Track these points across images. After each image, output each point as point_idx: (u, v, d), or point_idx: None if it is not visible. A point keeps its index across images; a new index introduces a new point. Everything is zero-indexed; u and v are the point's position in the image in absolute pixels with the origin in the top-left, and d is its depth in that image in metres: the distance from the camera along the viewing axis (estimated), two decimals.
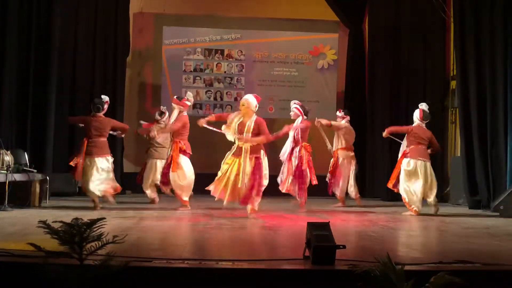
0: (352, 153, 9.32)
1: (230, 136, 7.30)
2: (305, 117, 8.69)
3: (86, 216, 3.56)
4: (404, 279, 3.05)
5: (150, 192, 9.02)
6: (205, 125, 7.72)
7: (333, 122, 9.26)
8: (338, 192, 9.19)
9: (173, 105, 8.29)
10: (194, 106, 11.46)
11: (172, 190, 8.28)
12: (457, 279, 3.10)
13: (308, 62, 12.24)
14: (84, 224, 3.28)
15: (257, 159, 7.15)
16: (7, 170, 7.49)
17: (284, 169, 8.60)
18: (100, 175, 7.89)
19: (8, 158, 7.71)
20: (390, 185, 8.39)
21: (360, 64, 11.87)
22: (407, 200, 8.13)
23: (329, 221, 4.14)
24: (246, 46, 12.15)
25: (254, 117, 7.24)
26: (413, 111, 8.49)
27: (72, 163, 7.92)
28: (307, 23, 12.11)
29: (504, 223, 7.29)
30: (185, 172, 7.98)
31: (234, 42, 12.15)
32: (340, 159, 9.16)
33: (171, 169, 7.90)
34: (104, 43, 10.78)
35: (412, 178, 8.10)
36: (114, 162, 8.24)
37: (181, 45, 12.05)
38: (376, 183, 11.00)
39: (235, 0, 11.93)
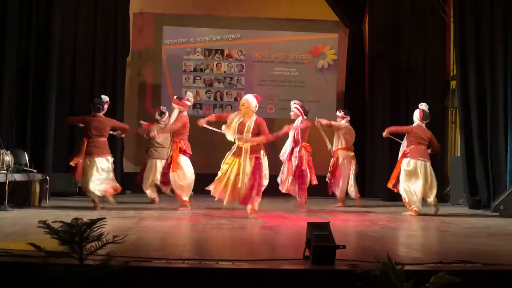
0: (352, 153, 9.32)
1: (230, 136, 7.30)
2: (305, 117, 8.69)
3: (86, 216, 3.56)
4: (404, 279, 3.05)
5: (150, 192, 9.02)
6: (205, 125, 7.72)
7: (333, 122, 9.26)
8: (338, 192, 9.19)
9: (173, 105, 8.29)
10: (194, 106, 11.46)
11: (172, 190, 8.28)
12: (457, 279, 3.11)
13: (308, 62, 12.24)
14: (84, 224, 3.28)
15: (257, 159, 7.16)
16: (7, 170, 7.49)
17: (284, 169, 8.59)
18: (100, 175, 7.89)
19: (8, 158, 7.71)
20: (390, 185, 8.40)
21: (360, 64, 11.86)
22: (407, 200, 8.13)
23: (329, 221, 4.15)
24: (246, 46, 12.15)
25: (254, 117, 7.24)
26: (413, 111, 8.49)
27: (72, 163, 7.92)
28: (307, 23, 12.11)
29: (504, 223, 7.29)
30: (185, 172, 7.98)
31: (234, 42, 12.15)
32: (340, 159, 9.16)
33: (171, 169, 7.90)
34: (104, 43, 10.77)
35: (412, 178, 8.10)
36: (114, 162, 8.24)
37: (181, 45, 12.04)
38: (376, 183, 11.00)
39: (235, 0, 11.93)
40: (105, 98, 8.25)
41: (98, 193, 7.89)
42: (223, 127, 7.36)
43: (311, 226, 4.01)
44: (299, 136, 8.56)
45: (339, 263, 3.81)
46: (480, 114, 9.06)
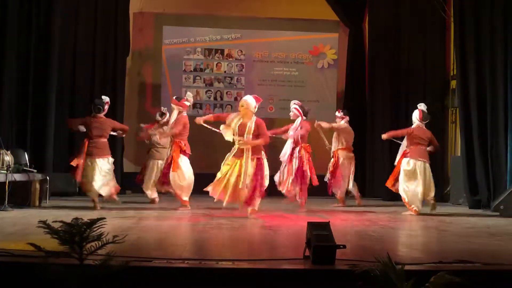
0: (352, 154, 9.33)
1: (228, 137, 7.30)
2: (304, 117, 8.68)
3: (86, 216, 3.56)
4: (404, 278, 3.05)
5: (150, 192, 9.02)
6: (202, 124, 7.72)
7: (334, 125, 9.26)
8: (338, 192, 9.20)
9: (172, 105, 8.28)
10: (194, 106, 11.45)
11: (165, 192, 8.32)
12: (457, 278, 3.11)
13: (308, 61, 12.24)
14: (84, 224, 3.28)
15: (259, 160, 7.17)
16: (7, 170, 7.49)
17: (284, 170, 8.58)
18: (103, 177, 7.91)
19: (8, 158, 7.71)
20: (389, 184, 8.41)
21: (360, 64, 11.86)
22: (407, 200, 8.14)
23: (329, 221, 4.15)
24: (246, 45, 12.14)
25: (254, 118, 7.25)
26: (413, 111, 8.49)
27: (73, 163, 7.91)
28: (307, 22, 12.10)
29: (504, 222, 7.29)
30: (185, 172, 7.98)
31: (234, 42, 12.14)
32: (341, 159, 9.16)
33: (171, 169, 7.89)
34: (104, 43, 10.76)
35: (412, 178, 8.12)
36: (114, 162, 8.24)
37: (181, 45, 12.04)
38: (376, 183, 10.99)
39: (235, 0, 11.93)
40: (106, 98, 8.25)
41: (103, 193, 7.94)
42: (222, 127, 7.35)
43: (311, 226, 4.01)
44: (299, 137, 8.56)
45: (339, 263, 3.81)
46: (480, 114, 9.06)
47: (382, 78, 11.34)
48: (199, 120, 7.70)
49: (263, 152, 7.25)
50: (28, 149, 8.84)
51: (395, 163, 8.47)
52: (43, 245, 3.33)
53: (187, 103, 8.26)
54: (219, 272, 3.69)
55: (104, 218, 3.40)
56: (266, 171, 7.24)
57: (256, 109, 7.30)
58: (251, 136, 7.13)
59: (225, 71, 12.11)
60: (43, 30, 9.48)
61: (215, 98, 12.05)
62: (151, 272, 3.67)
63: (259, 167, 7.13)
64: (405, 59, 11.14)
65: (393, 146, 9.49)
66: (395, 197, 9.28)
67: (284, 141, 8.77)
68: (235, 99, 11.76)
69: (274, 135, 8.57)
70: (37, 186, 8.19)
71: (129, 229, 5.59)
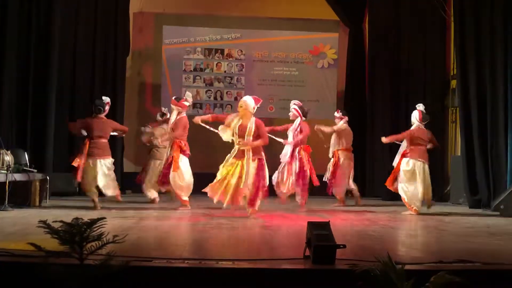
0: (352, 154, 9.34)
1: (225, 137, 7.30)
2: (303, 118, 8.68)
3: (86, 216, 3.57)
4: (404, 278, 3.04)
5: (150, 193, 9.00)
6: (200, 123, 7.71)
7: (334, 128, 9.26)
8: (338, 192, 9.20)
9: (172, 106, 8.28)
10: (194, 105, 11.46)
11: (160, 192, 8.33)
12: (457, 278, 3.10)
13: (308, 61, 12.24)
14: (84, 224, 3.28)
15: (260, 160, 7.18)
16: (7, 170, 7.49)
17: (284, 170, 8.58)
18: (105, 178, 7.92)
19: (8, 158, 7.71)
20: (388, 184, 8.42)
21: (360, 64, 11.86)
22: (406, 200, 8.16)
23: (329, 221, 4.15)
24: (246, 45, 12.15)
25: (253, 119, 7.25)
26: (413, 111, 8.48)
27: (74, 164, 7.90)
28: (307, 22, 12.11)
29: (505, 222, 7.29)
30: (184, 172, 7.98)
31: (234, 42, 12.14)
32: (341, 160, 9.17)
33: (172, 169, 7.89)
34: (104, 43, 10.77)
35: (411, 178, 8.14)
36: (114, 162, 8.23)
37: (181, 45, 12.04)
38: (376, 183, 10.98)
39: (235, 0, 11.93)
40: (106, 99, 8.24)
41: (110, 194, 7.99)
42: (220, 127, 7.35)
43: (311, 225, 4.01)
44: (298, 138, 8.57)
45: (339, 263, 3.81)
46: (480, 114, 9.07)
47: (382, 78, 11.34)
48: (197, 120, 7.71)
49: (262, 153, 7.26)
50: (28, 149, 8.84)
51: (394, 164, 8.48)
52: (43, 245, 3.33)
53: (187, 104, 8.26)
54: (219, 272, 3.69)
55: (104, 218, 3.39)
56: (266, 171, 7.26)
57: (255, 110, 7.31)
58: (251, 137, 7.14)
59: (225, 71, 12.11)
60: (43, 30, 9.47)
61: (215, 98, 12.05)
62: (151, 272, 3.67)
63: (260, 168, 7.15)
64: (405, 59, 11.14)
65: (393, 146, 9.48)
66: (395, 197, 9.27)
67: (283, 146, 8.74)
68: (235, 98, 11.76)
69: (272, 131, 8.52)
70: (37, 186, 8.19)
71: (129, 229, 5.58)
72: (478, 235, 5.99)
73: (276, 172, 8.61)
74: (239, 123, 7.20)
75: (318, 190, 8.93)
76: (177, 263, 3.86)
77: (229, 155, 7.25)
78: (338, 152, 9.20)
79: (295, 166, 8.44)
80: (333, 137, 9.31)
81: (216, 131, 7.43)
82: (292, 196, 8.73)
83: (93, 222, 3.29)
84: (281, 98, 11.95)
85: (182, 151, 8.00)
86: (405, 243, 5.69)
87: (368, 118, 11.41)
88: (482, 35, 9.17)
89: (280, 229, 6.28)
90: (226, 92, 12.08)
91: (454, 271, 3.27)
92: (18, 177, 7.69)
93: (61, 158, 9.60)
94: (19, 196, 7.78)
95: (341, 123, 9.31)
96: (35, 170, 8.21)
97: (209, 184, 7.21)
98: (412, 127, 8.37)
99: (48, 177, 8.56)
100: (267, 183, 7.29)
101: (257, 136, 7.16)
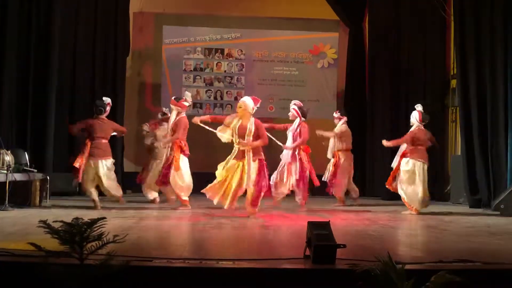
0: (352, 154, 9.35)
1: (224, 138, 7.30)
2: (303, 118, 8.68)
3: (87, 215, 3.57)
4: (404, 278, 3.04)
5: (150, 194, 9.00)
6: (199, 123, 7.71)
7: (335, 131, 9.26)
8: (338, 192, 9.21)
9: (171, 106, 8.27)
10: (194, 105, 11.46)
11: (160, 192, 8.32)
12: (458, 278, 3.10)
13: (308, 61, 12.23)
14: (85, 223, 3.28)
15: (261, 160, 7.19)
16: (7, 170, 7.49)
17: (284, 170, 8.57)
18: (107, 179, 7.93)
19: (9, 158, 7.71)
20: (388, 184, 8.42)
21: (360, 64, 11.86)
22: (406, 199, 8.17)
23: (329, 220, 4.15)
24: (246, 45, 12.14)
25: (252, 119, 7.25)
26: (413, 111, 8.48)
27: (75, 164, 7.90)
28: (307, 22, 12.10)
29: (505, 221, 7.29)
30: (184, 172, 7.98)
31: (234, 41, 12.14)
32: (342, 160, 9.18)
33: (172, 169, 7.88)
34: (104, 43, 10.76)
35: (411, 178, 8.16)
36: (114, 163, 8.24)
37: (181, 45, 12.04)
38: (376, 182, 10.98)
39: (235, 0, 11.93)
40: (107, 99, 8.24)
41: (116, 193, 8.02)
42: (219, 128, 7.35)
43: (312, 225, 4.01)
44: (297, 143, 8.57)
45: (339, 262, 3.82)
46: (481, 113, 9.06)
47: (382, 78, 11.34)
48: (196, 120, 7.71)
49: (262, 153, 7.27)
50: (28, 149, 8.85)
51: (393, 165, 8.48)
52: (43, 245, 3.33)
53: (186, 104, 8.25)
54: (219, 271, 3.69)
55: (105, 218, 3.39)
56: (267, 172, 7.26)
57: (254, 110, 7.31)
58: (251, 138, 7.14)
59: (225, 71, 12.11)
60: (43, 30, 9.48)
61: (215, 98, 12.05)
62: (152, 271, 3.67)
63: (261, 168, 7.15)
64: (405, 59, 11.15)
65: (393, 146, 9.49)
66: (395, 197, 9.27)
67: (284, 142, 8.74)
68: (235, 98, 11.75)
69: (271, 128, 8.51)
70: (37, 186, 8.19)
71: (129, 229, 5.58)
72: (478, 234, 5.99)
73: (275, 172, 8.61)
74: (239, 123, 7.20)
75: (318, 190, 8.94)
76: (177, 263, 3.86)
77: (229, 156, 7.24)
78: (339, 152, 9.22)
79: (295, 166, 8.44)
80: (332, 139, 9.31)
81: (215, 131, 7.43)
82: (292, 196, 8.74)
83: (93, 222, 3.29)
84: (281, 98, 11.94)
85: (182, 151, 8.00)
86: (405, 242, 5.69)
87: (368, 118, 11.41)
88: (482, 35, 9.17)
89: (280, 229, 6.28)
90: (226, 92, 12.07)
91: (455, 270, 3.28)
92: (18, 177, 7.69)
93: (61, 158, 9.60)
94: (19, 196, 7.78)
95: (340, 124, 9.32)
96: (35, 170, 8.21)
97: (209, 185, 7.21)
98: (412, 128, 8.38)
99: (48, 177, 8.55)
100: (268, 182, 7.29)
101: (256, 136, 7.17)
